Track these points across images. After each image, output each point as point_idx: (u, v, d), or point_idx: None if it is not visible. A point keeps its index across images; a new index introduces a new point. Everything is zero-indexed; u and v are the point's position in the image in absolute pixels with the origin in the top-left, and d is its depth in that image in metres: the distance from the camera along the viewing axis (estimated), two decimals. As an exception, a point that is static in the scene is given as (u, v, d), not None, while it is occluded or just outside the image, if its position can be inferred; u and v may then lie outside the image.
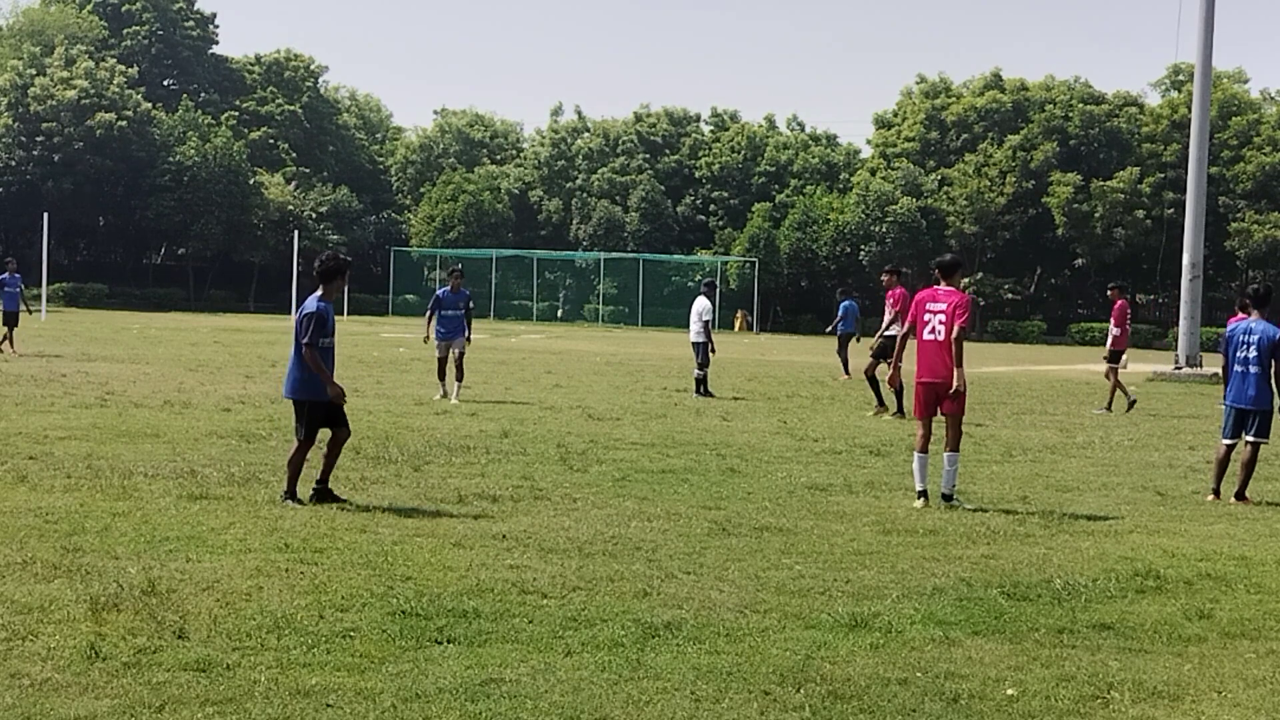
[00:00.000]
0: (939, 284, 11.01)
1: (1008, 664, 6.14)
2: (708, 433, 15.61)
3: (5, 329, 26.87)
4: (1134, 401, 21.21)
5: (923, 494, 10.68)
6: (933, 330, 10.71)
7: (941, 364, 10.65)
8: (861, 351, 25.02)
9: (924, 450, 10.70)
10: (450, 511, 9.54)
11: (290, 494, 9.76)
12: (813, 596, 7.33)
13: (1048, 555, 8.75)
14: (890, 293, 19.72)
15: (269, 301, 71.17)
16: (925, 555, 8.60)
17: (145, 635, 6.05)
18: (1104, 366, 21.88)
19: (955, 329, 10.60)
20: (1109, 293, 22.74)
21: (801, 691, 5.60)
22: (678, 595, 7.21)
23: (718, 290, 31.02)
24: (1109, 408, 21.03)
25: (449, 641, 6.15)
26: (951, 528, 9.68)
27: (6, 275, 27.95)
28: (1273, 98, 69.71)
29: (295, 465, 9.90)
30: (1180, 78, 70.37)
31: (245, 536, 8.33)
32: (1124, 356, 21.70)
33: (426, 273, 78.58)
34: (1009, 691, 5.71)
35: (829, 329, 28.87)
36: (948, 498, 10.66)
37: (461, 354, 18.88)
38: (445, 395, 18.73)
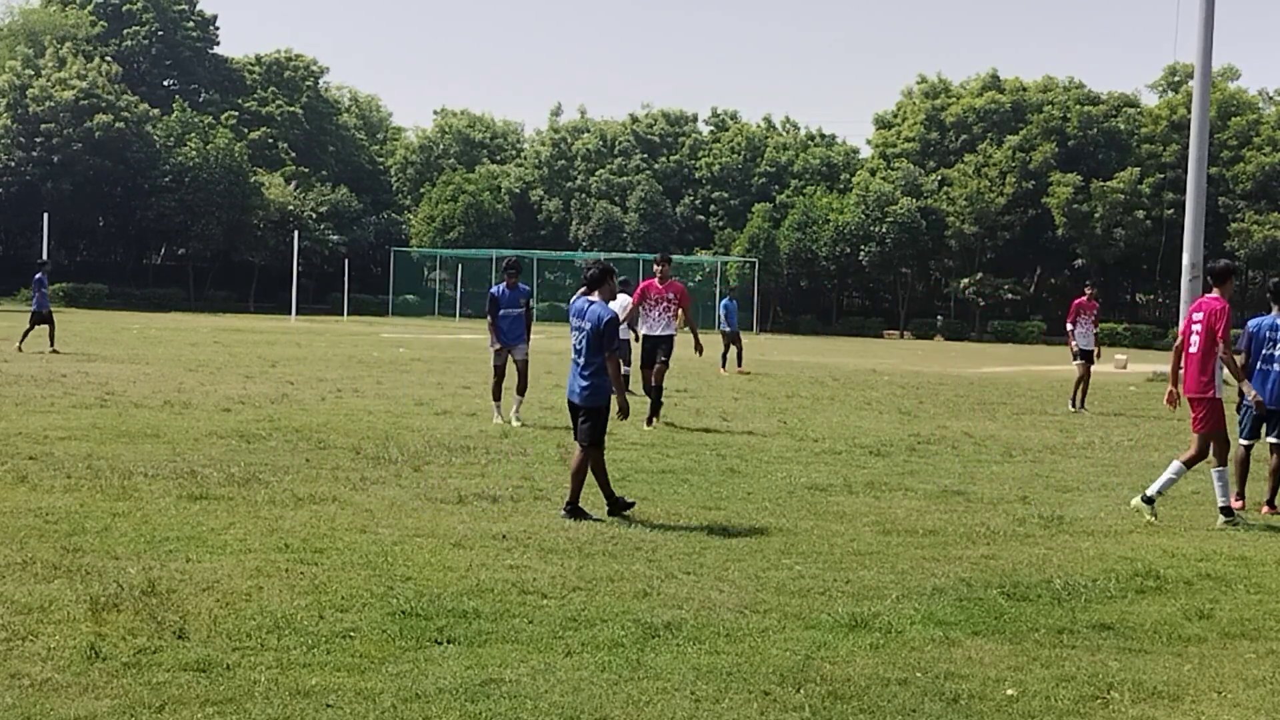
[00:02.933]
0: (1209, 291, 10.69)
1: (1008, 664, 6.14)
2: (708, 433, 15.62)
3: (36, 327, 27.18)
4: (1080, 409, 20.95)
5: (1225, 510, 10.38)
6: (1192, 342, 10.50)
7: (1191, 376, 10.48)
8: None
9: (1222, 464, 10.43)
10: (450, 511, 9.54)
11: (573, 507, 9.45)
12: (813, 596, 7.33)
13: (1048, 555, 8.75)
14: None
15: (269, 302, 71.17)
16: (925, 555, 8.60)
17: (145, 635, 6.05)
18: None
19: (1211, 339, 10.27)
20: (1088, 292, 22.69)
21: (801, 691, 5.60)
22: (678, 595, 7.21)
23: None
24: (1083, 406, 21.11)
25: (449, 641, 6.15)
26: (951, 528, 9.68)
27: (41, 275, 28.15)
28: (1271, 97, 69.73)
29: (582, 476, 9.50)
30: (1176, 78, 70.43)
31: (245, 536, 8.32)
32: (1087, 354, 21.56)
33: (426, 273, 78.61)
34: (1009, 691, 5.71)
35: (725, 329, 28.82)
36: (1226, 511, 10.37)
37: (524, 362, 15.83)
38: (503, 418, 15.63)
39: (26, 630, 6.05)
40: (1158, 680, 5.95)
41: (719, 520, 9.60)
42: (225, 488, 10.18)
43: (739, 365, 28.24)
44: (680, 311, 16.82)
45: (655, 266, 16.98)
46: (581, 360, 9.59)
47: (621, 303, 22.23)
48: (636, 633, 6.38)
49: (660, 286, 16.69)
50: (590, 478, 9.62)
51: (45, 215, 50.77)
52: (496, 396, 15.73)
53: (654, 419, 15.98)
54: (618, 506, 9.56)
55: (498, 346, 15.66)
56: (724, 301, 30.26)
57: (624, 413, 9.82)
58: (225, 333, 40.41)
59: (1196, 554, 8.93)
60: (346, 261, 68.56)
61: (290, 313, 60.55)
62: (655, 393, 16.11)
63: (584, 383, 9.57)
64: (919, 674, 5.92)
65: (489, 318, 15.76)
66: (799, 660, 6.05)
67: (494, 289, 15.87)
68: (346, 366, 25.80)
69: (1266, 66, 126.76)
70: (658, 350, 16.41)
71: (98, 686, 5.33)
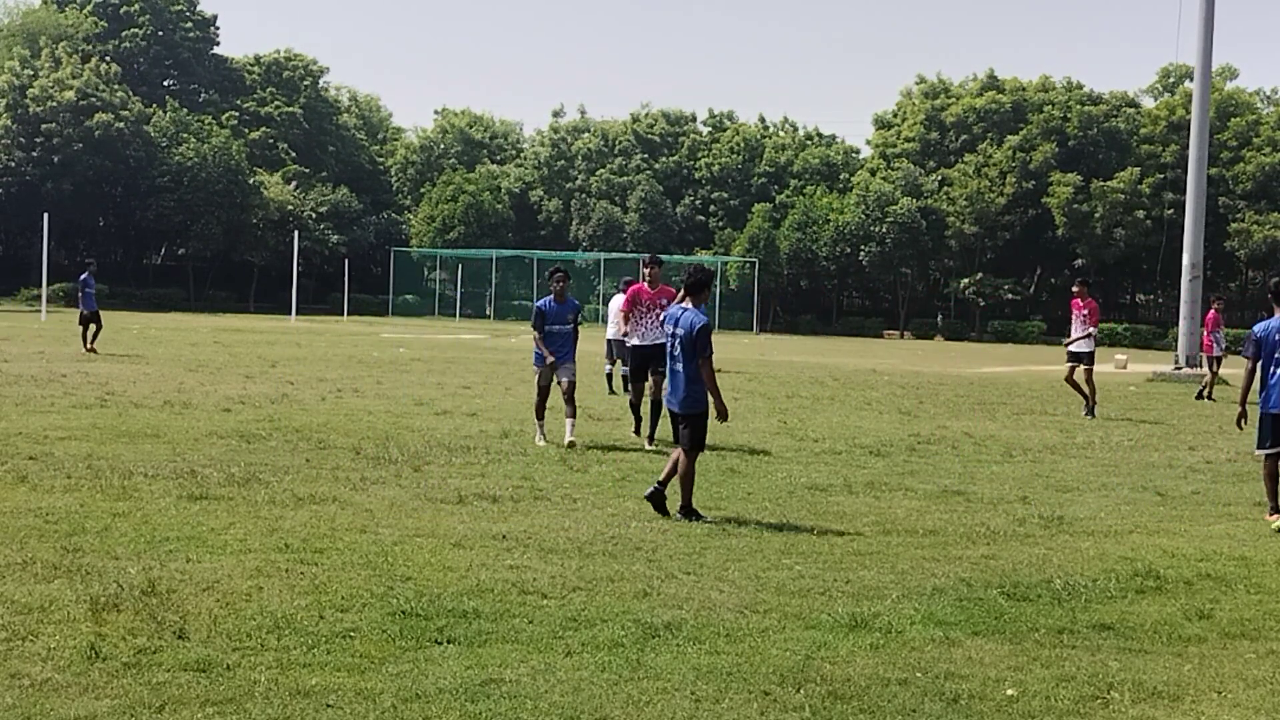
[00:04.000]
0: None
1: (1008, 664, 6.13)
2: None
3: (81, 329, 27.16)
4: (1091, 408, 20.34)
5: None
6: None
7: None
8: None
9: None
10: (450, 511, 9.54)
11: (687, 508, 9.60)
12: (813, 596, 7.33)
13: (1048, 555, 8.75)
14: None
15: (269, 302, 71.17)
16: (925, 555, 8.60)
17: (145, 635, 6.05)
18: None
19: None
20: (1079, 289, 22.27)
21: (801, 691, 5.60)
22: (678, 595, 7.21)
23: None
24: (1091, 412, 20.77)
25: (449, 641, 6.15)
26: (951, 528, 9.68)
27: (87, 275, 28.09)
28: (1268, 97, 69.75)
29: (690, 479, 9.67)
30: (1172, 80, 70.48)
31: (245, 536, 8.32)
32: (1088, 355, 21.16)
33: (426, 273, 78.62)
34: (1009, 691, 5.71)
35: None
36: None
37: (571, 384, 14.19)
38: (546, 440, 14.04)
39: (26, 630, 6.05)
40: (1158, 680, 5.95)
41: (719, 520, 9.59)
42: (225, 488, 10.18)
43: None
44: None
45: (644, 270, 14.71)
46: (680, 367, 9.73)
47: (617, 303, 22.28)
48: (636, 633, 6.38)
49: (651, 292, 14.62)
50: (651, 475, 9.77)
51: (45, 215, 50.74)
52: (540, 415, 14.31)
53: (653, 437, 14.19)
54: (690, 512, 9.61)
55: (547, 363, 14.19)
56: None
57: (723, 415, 9.80)
58: (225, 333, 40.41)
59: (1196, 554, 8.93)
60: (346, 261, 68.57)
61: (290, 313, 60.53)
62: (653, 409, 14.20)
63: (683, 392, 9.71)
64: (919, 674, 5.91)
65: (537, 332, 14.38)
66: (799, 660, 6.05)
67: (540, 303, 14.41)
68: (346, 366, 25.80)
69: (1266, 66, 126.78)
70: (651, 362, 14.35)
71: (98, 686, 5.33)
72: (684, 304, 9.93)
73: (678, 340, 9.74)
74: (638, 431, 14.68)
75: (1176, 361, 32.75)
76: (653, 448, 13.80)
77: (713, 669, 5.87)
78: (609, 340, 21.24)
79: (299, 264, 63.29)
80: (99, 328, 27.55)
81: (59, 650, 5.76)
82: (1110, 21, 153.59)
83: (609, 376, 21.73)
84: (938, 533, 9.46)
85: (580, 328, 14.53)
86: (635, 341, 14.65)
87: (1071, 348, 20.79)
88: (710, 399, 9.65)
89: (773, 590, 7.43)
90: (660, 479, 9.77)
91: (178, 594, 6.79)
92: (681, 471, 9.65)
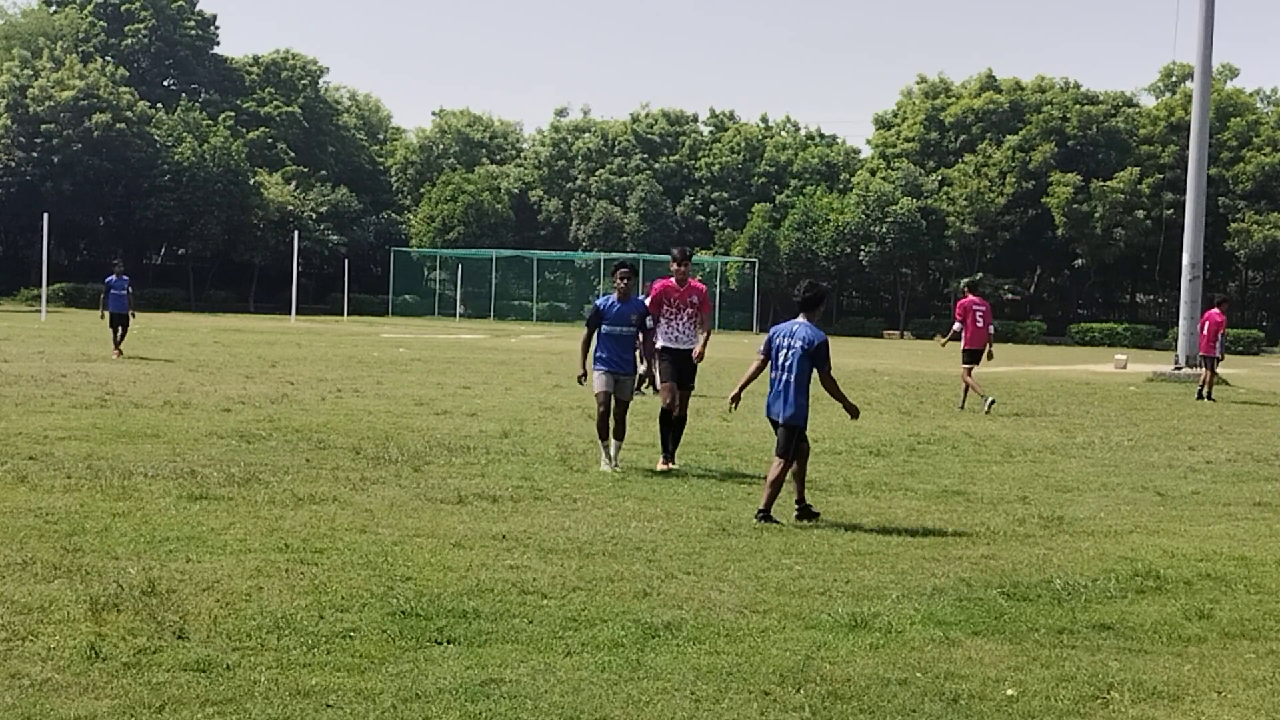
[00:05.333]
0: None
1: (1008, 664, 6.13)
2: (708, 433, 15.60)
3: (112, 331, 26.72)
4: (991, 401, 20.51)
5: None
6: None
7: None
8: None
9: None
10: (450, 511, 9.53)
11: (802, 505, 9.80)
12: (813, 596, 7.33)
13: (1048, 555, 8.75)
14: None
15: (269, 302, 71.20)
16: (925, 555, 8.60)
17: (145, 635, 6.04)
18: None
19: None
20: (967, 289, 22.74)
21: (801, 691, 5.60)
22: (678, 595, 7.21)
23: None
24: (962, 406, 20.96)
25: (449, 641, 6.15)
26: (951, 528, 9.68)
27: (114, 277, 27.58)
28: (1268, 97, 69.77)
29: (802, 476, 9.91)
30: (1173, 79, 70.46)
31: (245, 536, 8.32)
32: (980, 356, 21.25)
33: (426, 273, 78.63)
34: (1009, 691, 5.71)
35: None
36: None
37: (627, 404, 12.47)
38: (612, 462, 12.16)
39: (26, 630, 6.05)
40: (1158, 680, 5.95)
41: (719, 520, 9.59)
42: (225, 488, 10.18)
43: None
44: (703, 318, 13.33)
45: (673, 265, 12.98)
46: (791, 378, 9.77)
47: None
48: (636, 633, 6.38)
49: (681, 289, 12.92)
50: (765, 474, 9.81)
51: (45, 215, 50.75)
52: (604, 434, 12.23)
53: (672, 455, 12.49)
54: (768, 516, 9.69)
55: (601, 373, 12.22)
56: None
57: (855, 413, 10.07)
58: (225, 333, 40.42)
59: (1196, 554, 8.93)
60: (346, 261, 68.58)
61: (290, 313, 60.54)
62: (678, 424, 12.50)
63: (790, 408, 9.78)
64: (919, 674, 5.91)
65: (587, 336, 12.61)
66: (799, 660, 6.05)
67: (600, 300, 12.60)
68: (346, 366, 25.80)
69: (1266, 66, 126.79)
70: (684, 368, 12.81)
71: (98, 686, 5.32)
72: (800, 318, 9.97)
73: (791, 352, 9.81)
74: (667, 453, 12.47)
75: (1176, 361, 32.75)
76: (618, 470, 12.03)
77: (713, 669, 5.87)
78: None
79: (299, 264, 63.31)
80: (125, 330, 27.07)
81: (59, 650, 5.76)
82: (1110, 21, 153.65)
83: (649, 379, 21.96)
84: (938, 533, 9.46)
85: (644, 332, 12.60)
86: (665, 344, 12.81)
87: (972, 347, 21.35)
88: (840, 403, 9.98)
89: (773, 590, 7.42)
90: (797, 498, 9.85)
91: (178, 594, 6.79)
92: (796, 471, 9.86)
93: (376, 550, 8.05)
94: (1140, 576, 8.08)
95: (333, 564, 7.64)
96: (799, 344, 9.79)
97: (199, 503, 9.49)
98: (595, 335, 12.46)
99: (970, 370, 21.35)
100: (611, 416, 12.21)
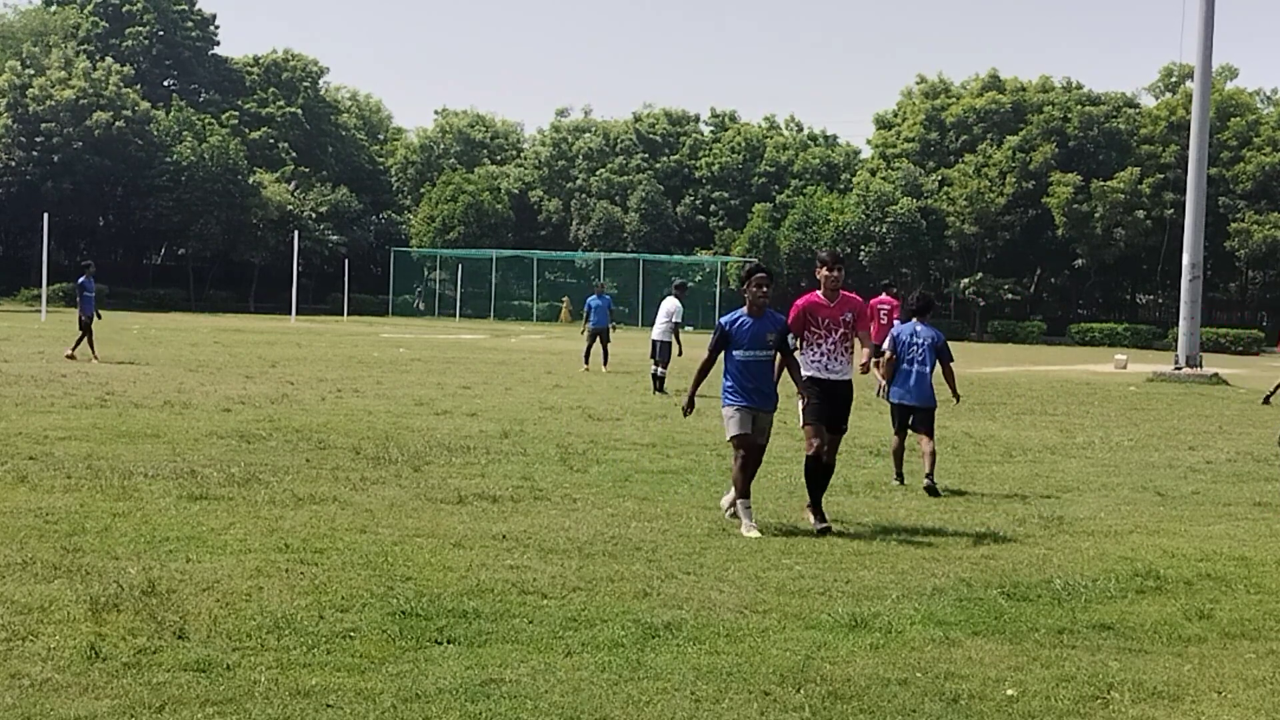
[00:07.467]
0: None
1: (1008, 664, 6.13)
2: (708, 433, 15.60)
3: (81, 334, 25.39)
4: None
5: None
6: None
7: None
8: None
9: None
10: (450, 511, 9.54)
11: (930, 481, 11.42)
12: (813, 596, 7.33)
13: (1048, 555, 8.75)
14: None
15: (269, 302, 71.18)
16: (925, 555, 8.60)
17: (145, 635, 6.04)
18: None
19: None
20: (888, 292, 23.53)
21: (801, 691, 5.60)
22: (678, 595, 7.21)
23: (688, 292, 30.66)
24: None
25: (449, 641, 6.15)
26: (951, 528, 9.68)
27: (85, 279, 26.95)
28: (1268, 97, 69.75)
29: (933, 455, 11.72)
30: (1174, 79, 70.43)
31: (245, 536, 8.32)
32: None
33: (426, 273, 78.64)
34: (1009, 691, 5.71)
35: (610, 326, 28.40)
36: None
37: (764, 445, 9.80)
38: (755, 527, 9.28)
39: (26, 630, 6.05)
40: (1158, 680, 5.95)
41: (719, 520, 9.59)
42: (225, 488, 10.18)
43: (604, 364, 27.29)
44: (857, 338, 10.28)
45: (822, 271, 10.02)
46: (926, 370, 11.99)
47: (669, 307, 23.08)
48: (636, 633, 6.38)
49: (832, 306, 10.04)
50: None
51: (45, 215, 50.75)
52: (747, 487, 9.52)
53: (820, 510, 9.67)
54: (933, 489, 11.41)
55: (740, 409, 9.48)
56: (590, 299, 28.83)
57: (958, 398, 12.62)
58: (225, 333, 40.41)
59: (1196, 554, 8.93)
60: (346, 261, 68.57)
61: (290, 313, 60.54)
62: (826, 473, 9.86)
63: (927, 391, 12.04)
64: (919, 674, 5.91)
65: (708, 360, 9.71)
66: (799, 660, 6.05)
67: (728, 318, 9.62)
68: (346, 366, 25.80)
69: (1266, 66, 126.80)
70: (838, 407, 10.05)
71: (98, 686, 5.32)
72: (913, 323, 12.11)
73: (921, 348, 11.96)
74: (818, 511, 9.68)
75: (1176, 361, 32.74)
76: (823, 525, 9.46)
77: (713, 669, 5.87)
78: (654, 341, 22.78)
79: (299, 264, 63.31)
80: (86, 335, 25.72)
81: (59, 650, 5.76)
82: (1111, 21, 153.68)
83: (658, 378, 22.29)
84: (938, 533, 9.46)
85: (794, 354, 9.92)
86: (811, 374, 9.96)
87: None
88: (950, 388, 12.26)
89: (773, 590, 7.43)
90: (927, 472, 11.47)
91: (178, 594, 6.79)
92: (928, 450, 11.67)
93: (376, 550, 8.05)
94: (1140, 576, 8.08)
95: (333, 564, 7.64)
96: (927, 340, 11.92)
97: (199, 503, 9.49)
98: (725, 360, 9.66)
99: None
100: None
